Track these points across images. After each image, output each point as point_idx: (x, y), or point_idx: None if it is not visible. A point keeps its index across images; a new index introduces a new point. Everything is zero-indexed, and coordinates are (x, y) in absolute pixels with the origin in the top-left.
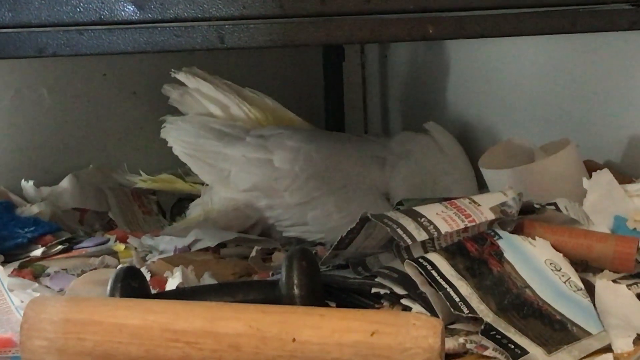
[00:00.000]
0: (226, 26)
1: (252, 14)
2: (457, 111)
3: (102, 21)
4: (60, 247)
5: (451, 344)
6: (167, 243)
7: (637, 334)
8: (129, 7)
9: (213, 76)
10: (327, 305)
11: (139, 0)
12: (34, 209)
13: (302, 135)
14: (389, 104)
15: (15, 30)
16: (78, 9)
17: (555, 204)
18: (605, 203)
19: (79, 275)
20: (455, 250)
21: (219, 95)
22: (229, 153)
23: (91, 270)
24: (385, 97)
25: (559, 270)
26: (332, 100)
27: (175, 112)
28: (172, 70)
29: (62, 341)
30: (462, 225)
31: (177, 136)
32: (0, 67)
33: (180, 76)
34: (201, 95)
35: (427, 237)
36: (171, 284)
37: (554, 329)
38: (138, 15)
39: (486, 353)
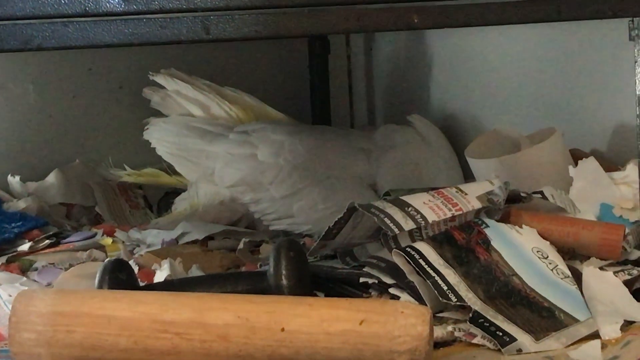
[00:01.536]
0: (211, 17)
1: (238, 5)
2: (444, 102)
3: (87, 13)
4: (47, 241)
5: (440, 332)
6: (154, 236)
7: (625, 320)
8: None
9: (192, 77)
10: (315, 296)
11: None
12: (21, 204)
13: (286, 129)
14: (375, 96)
15: None
16: (63, 1)
17: (541, 193)
18: (592, 191)
19: (66, 269)
20: (443, 239)
21: (199, 96)
22: (213, 150)
23: (79, 264)
24: (371, 90)
25: (546, 258)
26: (318, 93)
27: (159, 113)
28: (150, 72)
29: (50, 333)
30: (449, 214)
31: (160, 137)
32: None
33: (159, 78)
34: (181, 96)
35: (414, 226)
36: (159, 277)
37: (542, 316)
38: (123, 6)
39: (474, 341)
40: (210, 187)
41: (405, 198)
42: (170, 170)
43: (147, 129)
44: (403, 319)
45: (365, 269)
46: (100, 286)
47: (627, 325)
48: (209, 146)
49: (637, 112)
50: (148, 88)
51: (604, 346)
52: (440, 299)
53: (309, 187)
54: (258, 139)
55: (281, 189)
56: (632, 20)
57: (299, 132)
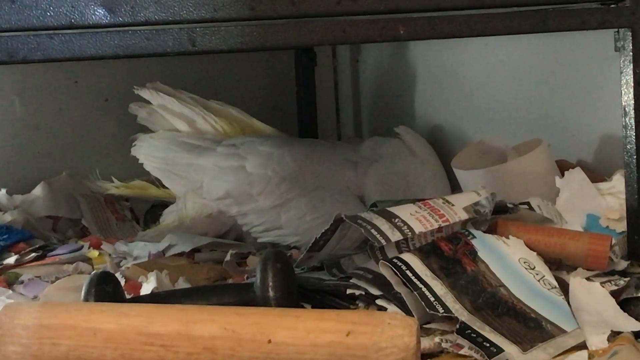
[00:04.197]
0: (197, 29)
1: (223, 17)
2: (430, 113)
3: (72, 25)
4: (33, 254)
5: (427, 343)
6: (141, 249)
7: (612, 331)
8: (100, 10)
9: (177, 90)
10: (302, 307)
11: (110, 4)
12: (7, 217)
13: (273, 141)
14: (362, 107)
15: None
16: (48, 13)
17: (528, 203)
18: (578, 201)
19: (52, 282)
20: (430, 250)
21: (184, 110)
22: (201, 164)
23: (65, 277)
24: (358, 101)
25: (533, 269)
26: (304, 105)
27: (147, 128)
28: (135, 87)
29: (36, 347)
30: (436, 225)
31: (148, 152)
32: None
33: (144, 93)
34: (166, 111)
35: (401, 237)
36: (146, 289)
37: (529, 327)
38: (109, 18)
39: (462, 352)
40: (198, 200)
41: (392, 209)
42: (158, 182)
43: (135, 145)
44: (390, 330)
45: (352, 281)
46: (86, 299)
47: (614, 335)
48: (197, 160)
49: (623, 123)
50: (134, 104)
51: (591, 357)
52: (428, 310)
53: (297, 198)
54: (246, 151)
55: (269, 200)
56: (618, 32)
57: (286, 144)
